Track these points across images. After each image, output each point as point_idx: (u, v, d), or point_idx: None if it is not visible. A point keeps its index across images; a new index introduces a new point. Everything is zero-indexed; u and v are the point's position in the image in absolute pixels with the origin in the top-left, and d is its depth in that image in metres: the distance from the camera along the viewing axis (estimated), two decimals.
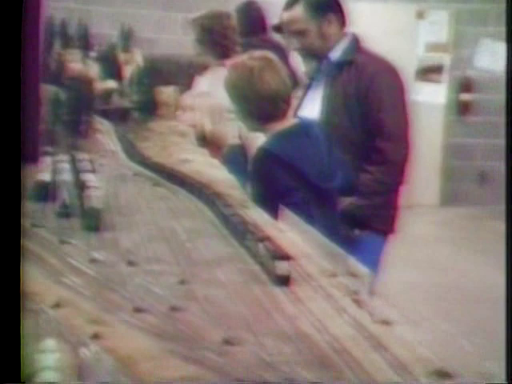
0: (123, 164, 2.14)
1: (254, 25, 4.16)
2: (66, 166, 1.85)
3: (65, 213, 1.52)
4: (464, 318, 4.02)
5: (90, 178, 1.64)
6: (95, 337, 0.92)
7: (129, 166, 2.10)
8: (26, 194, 1.55)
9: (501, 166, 7.65)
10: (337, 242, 1.42)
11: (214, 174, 1.93)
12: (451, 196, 7.62)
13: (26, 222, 1.33)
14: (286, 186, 2.17)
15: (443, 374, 0.86)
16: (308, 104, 2.76)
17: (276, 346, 0.93)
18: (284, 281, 1.14)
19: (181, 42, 5.76)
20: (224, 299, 1.09)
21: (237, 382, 0.83)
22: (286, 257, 1.16)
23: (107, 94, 3.18)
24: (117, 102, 3.13)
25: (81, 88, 2.71)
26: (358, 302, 1.08)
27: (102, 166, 2.02)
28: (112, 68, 3.55)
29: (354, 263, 1.25)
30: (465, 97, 7.68)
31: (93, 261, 1.23)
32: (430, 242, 5.92)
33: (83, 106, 2.61)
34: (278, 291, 1.13)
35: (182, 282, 1.15)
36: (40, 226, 1.41)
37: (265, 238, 1.25)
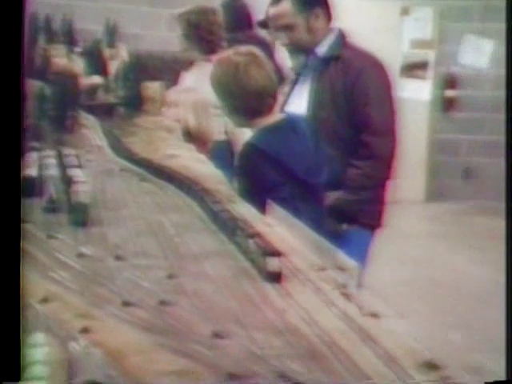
0: (109, 159, 2.13)
1: (239, 20, 4.15)
2: (53, 161, 1.84)
3: (52, 208, 1.51)
4: (449, 312, 4.04)
5: (76, 173, 1.63)
6: (84, 331, 0.91)
7: (115, 162, 2.09)
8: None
9: (485, 162, 7.68)
10: (324, 236, 1.43)
11: (201, 169, 1.93)
12: (436, 192, 7.66)
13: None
14: (272, 181, 2.17)
15: (432, 366, 0.87)
16: (295, 99, 2.76)
17: (266, 339, 0.93)
18: (275, 277, 1.13)
19: (166, 38, 5.75)
20: (213, 293, 1.09)
21: (227, 375, 0.83)
22: (276, 253, 1.16)
23: (92, 90, 3.16)
24: (102, 97, 3.12)
25: (66, 83, 2.70)
26: (346, 296, 1.08)
27: (88, 161, 2.01)
28: (97, 63, 3.54)
29: (343, 257, 1.25)
30: (449, 93, 7.71)
31: (80, 255, 1.23)
32: (416, 237, 5.95)
33: (69, 101, 2.60)
34: (267, 285, 1.13)
35: (171, 276, 1.15)
36: (27, 222, 1.40)
37: (255, 235, 1.24)
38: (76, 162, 1.78)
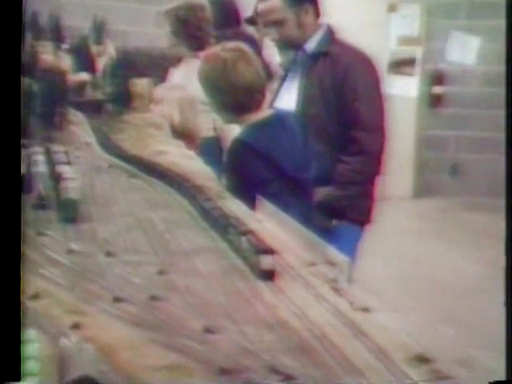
0: (98, 156, 2.13)
1: (227, 17, 4.14)
2: (41, 157, 1.83)
3: (41, 204, 1.51)
4: (438, 307, 4.07)
5: (65, 170, 1.63)
6: (75, 327, 0.91)
7: (104, 158, 2.09)
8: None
9: (473, 158, 7.70)
10: (313, 232, 1.43)
11: (191, 166, 1.93)
12: (424, 188, 7.68)
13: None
14: (261, 177, 2.17)
15: (423, 360, 0.87)
16: (284, 95, 2.77)
17: (257, 334, 0.93)
18: (268, 275, 1.13)
19: (154, 35, 5.73)
20: (204, 289, 1.09)
21: (219, 370, 0.83)
22: (269, 251, 1.15)
23: (80, 87, 3.15)
24: (90, 94, 3.11)
25: (54, 80, 2.69)
26: (337, 290, 1.08)
27: (77, 158, 2.01)
28: (85, 60, 3.52)
29: (333, 252, 1.25)
30: (437, 89, 7.73)
31: (70, 252, 1.23)
32: (404, 234, 5.97)
33: (57, 98, 2.59)
34: (258, 281, 1.13)
35: (161, 272, 1.15)
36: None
37: (247, 232, 1.23)
38: (65, 158, 1.78)
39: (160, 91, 3.03)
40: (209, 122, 3.00)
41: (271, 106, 2.59)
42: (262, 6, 2.78)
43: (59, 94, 2.66)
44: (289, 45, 2.76)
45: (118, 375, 0.80)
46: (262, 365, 0.85)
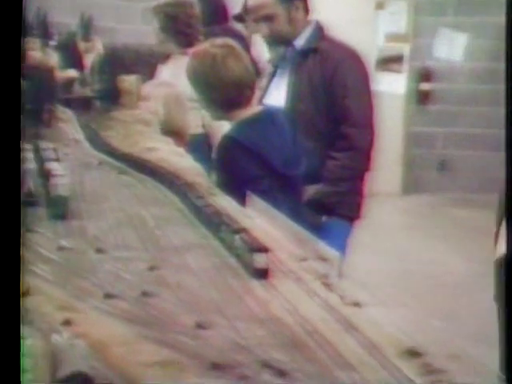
0: (87, 153, 2.12)
1: (215, 13, 4.14)
2: (30, 154, 1.83)
3: (30, 201, 1.50)
4: (427, 302, 4.08)
5: (54, 167, 1.62)
6: (66, 323, 0.91)
7: (93, 155, 2.08)
8: None
9: (460, 155, 7.73)
10: (303, 228, 1.43)
11: (181, 163, 1.93)
12: (412, 184, 7.71)
13: None
14: (251, 174, 2.17)
15: (414, 353, 0.88)
16: (273, 92, 2.77)
17: (249, 329, 0.93)
18: (262, 274, 1.12)
19: (142, 32, 5.72)
20: (195, 285, 1.09)
21: (211, 365, 0.83)
22: (263, 249, 1.14)
23: (68, 83, 3.14)
24: (78, 90, 3.09)
25: (42, 77, 2.68)
26: (328, 285, 1.09)
27: (66, 154, 2.00)
28: (72, 57, 3.51)
29: (323, 247, 1.26)
30: (424, 86, 7.76)
31: (61, 248, 1.22)
32: (393, 230, 5.99)
33: (45, 94, 2.58)
34: (250, 277, 1.13)
35: (152, 268, 1.15)
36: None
37: (241, 230, 1.22)
38: (54, 155, 1.77)
39: (147, 88, 3.02)
40: (197, 118, 3.00)
41: (260, 102, 2.59)
42: (252, 1, 2.78)
43: (47, 91, 2.65)
44: (279, 41, 2.76)
45: (110, 371, 0.80)
46: (255, 360, 0.85)
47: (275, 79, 2.80)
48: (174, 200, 1.59)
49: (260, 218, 1.44)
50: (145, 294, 1.03)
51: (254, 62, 2.93)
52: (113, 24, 6.51)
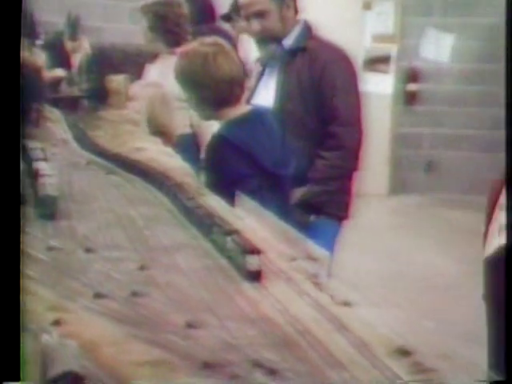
0: (75, 153, 2.11)
1: (202, 13, 4.13)
2: None
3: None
4: (415, 302, 4.10)
5: (42, 167, 1.61)
6: (57, 323, 0.91)
7: (81, 155, 2.08)
8: None
9: (447, 155, 7.75)
10: (292, 227, 1.43)
11: (170, 163, 1.92)
12: (399, 185, 7.73)
13: None
14: (240, 173, 2.17)
15: (404, 352, 0.88)
16: (262, 91, 2.77)
17: (240, 328, 0.93)
18: (255, 276, 1.11)
19: (129, 31, 5.70)
20: (185, 284, 1.09)
21: (202, 365, 0.83)
22: (256, 251, 1.14)
23: (56, 83, 3.13)
24: (66, 90, 3.09)
25: (29, 76, 2.66)
26: (318, 285, 1.09)
27: (54, 154, 1.99)
28: (59, 56, 3.50)
29: (313, 247, 1.26)
30: (411, 87, 7.78)
31: (50, 249, 1.22)
32: (381, 230, 6.01)
33: (32, 94, 2.57)
34: (241, 278, 1.13)
35: (142, 268, 1.15)
36: None
37: (233, 232, 1.22)
38: (42, 155, 1.76)
39: (135, 88, 3.02)
40: (185, 118, 2.99)
41: (249, 102, 2.59)
42: None
43: (35, 91, 2.64)
44: (269, 38, 2.76)
45: (100, 371, 0.79)
46: (246, 359, 0.85)
47: (264, 78, 2.80)
48: (163, 200, 1.59)
49: (249, 218, 1.44)
50: (135, 293, 1.03)
51: (242, 62, 2.93)
52: (100, 23, 6.49)
